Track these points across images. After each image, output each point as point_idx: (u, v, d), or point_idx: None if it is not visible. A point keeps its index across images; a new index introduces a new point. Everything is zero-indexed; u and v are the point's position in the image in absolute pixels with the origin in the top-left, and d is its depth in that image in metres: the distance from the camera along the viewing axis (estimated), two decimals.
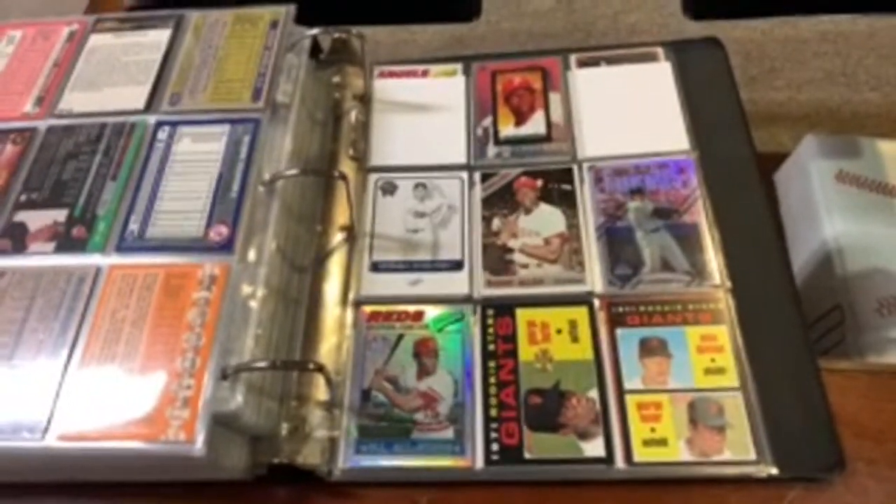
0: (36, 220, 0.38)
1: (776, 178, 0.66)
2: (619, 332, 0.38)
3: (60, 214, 0.39)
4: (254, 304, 0.35)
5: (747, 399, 0.35)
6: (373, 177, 0.45)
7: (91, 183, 0.40)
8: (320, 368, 0.36)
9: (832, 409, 0.35)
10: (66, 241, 0.37)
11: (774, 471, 0.33)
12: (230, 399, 0.32)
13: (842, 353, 0.54)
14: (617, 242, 0.41)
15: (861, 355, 0.53)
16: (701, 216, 0.41)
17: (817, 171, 0.61)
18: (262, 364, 0.34)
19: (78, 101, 0.44)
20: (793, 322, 0.38)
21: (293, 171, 0.40)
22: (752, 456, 0.34)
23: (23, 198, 0.39)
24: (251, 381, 0.33)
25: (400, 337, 0.39)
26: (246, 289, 0.36)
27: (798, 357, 0.37)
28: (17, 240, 0.38)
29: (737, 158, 0.44)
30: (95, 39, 0.47)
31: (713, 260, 0.39)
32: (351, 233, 0.43)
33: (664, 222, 0.41)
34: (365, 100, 0.48)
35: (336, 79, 0.49)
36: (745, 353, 0.36)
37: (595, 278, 0.40)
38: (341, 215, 0.43)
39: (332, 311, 0.40)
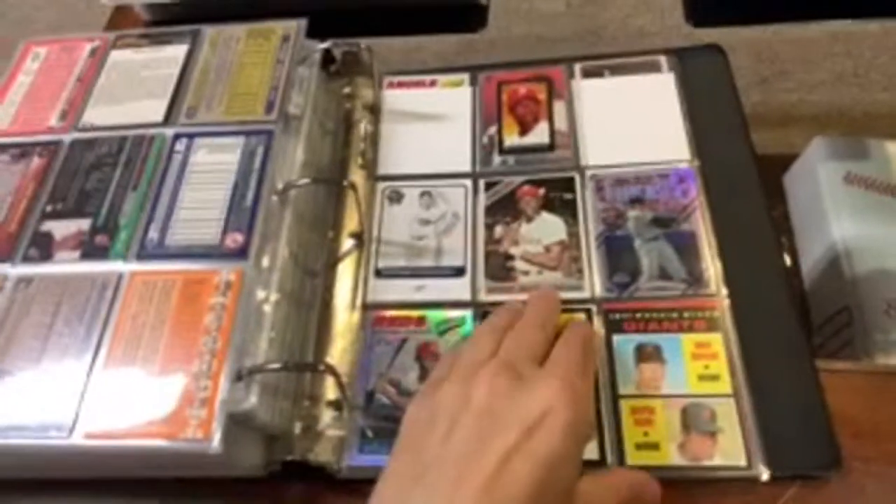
0: (61, 229, 0.40)
1: (785, 179, 0.66)
2: (615, 338, 0.38)
3: (84, 224, 0.40)
4: (267, 308, 0.37)
5: (740, 405, 0.36)
6: (380, 185, 0.46)
7: (113, 193, 0.41)
8: (331, 370, 0.37)
9: (829, 409, 0.35)
10: (90, 250, 0.39)
11: (766, 476, 0.34)
12: (245, 399, 0.34)
13: (850, 354, 0.54)
14: (616, 251, 0.41)
15: (869, 357, 0.53)
16: (700, 225, 0.42)
17: (825, 172, 0.60)
18: (275, 366, 0.35)
19: (100, 114, 0.45)
20: (790, 327, 0.38)
21: (305, 181, 0.42)
22: (743, 462, 0.34)
23: (49, 208, 0.41)
24: (265, 381, 0.35)
25: (403, 341, 0.40)
26: (260, 293, 0.37)
27: (795, 359, 0.37)
28: (44, 248, 0.40)
29: (738, 166, 0.44)
30: (116, 55, 0.48)
31: (710, 268, 0.40)
32: (361, 239, 0.44)
33: (663, 231, 0.42)
34: (374, 110, 0.50)
35: (346, 90, 0.50)
36: (740, 360, 0.37)
37: (594, 285, 0.41)
38: (352, 222, 0.45)
39: (343, 314, 0.42)
